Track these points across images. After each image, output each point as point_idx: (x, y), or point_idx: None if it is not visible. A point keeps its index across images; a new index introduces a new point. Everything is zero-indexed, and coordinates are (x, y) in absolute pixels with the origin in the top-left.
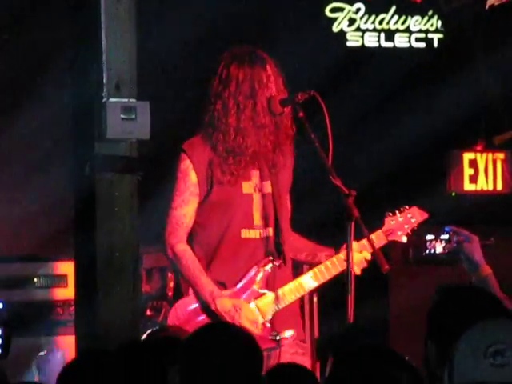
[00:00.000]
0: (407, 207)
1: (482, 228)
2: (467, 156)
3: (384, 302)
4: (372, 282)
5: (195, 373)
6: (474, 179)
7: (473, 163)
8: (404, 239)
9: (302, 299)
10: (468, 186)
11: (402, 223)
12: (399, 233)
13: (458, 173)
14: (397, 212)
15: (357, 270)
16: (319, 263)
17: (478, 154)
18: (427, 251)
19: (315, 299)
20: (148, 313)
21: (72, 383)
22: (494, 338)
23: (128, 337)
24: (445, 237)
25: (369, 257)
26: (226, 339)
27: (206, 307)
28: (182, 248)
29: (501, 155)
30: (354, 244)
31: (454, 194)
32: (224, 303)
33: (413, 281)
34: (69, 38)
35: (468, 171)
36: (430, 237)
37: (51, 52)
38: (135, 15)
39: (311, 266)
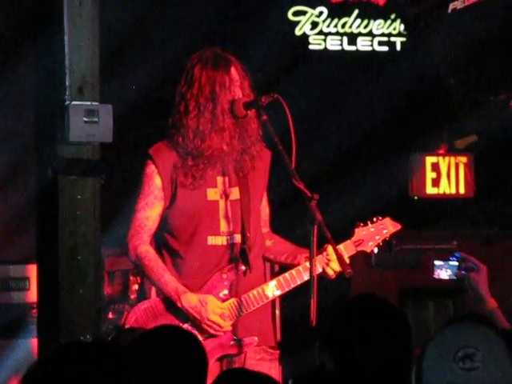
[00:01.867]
0: (380, 218)
1: (445, 232)
2: (430, 159)
3: None
4: (334, 287)
5: (137, 376)
6: (436, 183)
7: (435, 167)
8: (375, 250)
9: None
10: (430, 190)
11: (373, 234)
12: (370, 243)
13: (420, 176)
14: (368, 222)
15: (331, 273)
16: (298, 265)
17: (441, 158)
18: (435, 276)
19: (277, 312)
20: (110, 316)
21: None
22: (463, 341)
23: (90, 339)
24: (454, 263)
25: (337, 268)
26: (168, 341)
27: (168, 312)
28: (145, 249)
29: (463, 159)
30: (320, 257)
31: (416, 197)
32: (189, 299)
33: (374, 284)
34: (31, 41)
35: (430, 175)
36: (438, 262)
37: (13, 54)
38: (98, 18)
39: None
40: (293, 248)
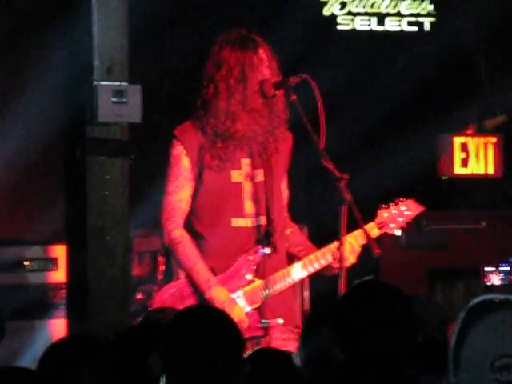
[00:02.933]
0: (402, 199)
1: (474, 212)
2: (458, 140)
3: None
4: (362, 268)
5: (176, 355)
6: (465, 163)
7: (464, 147)
8: (397, 232)
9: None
10: (459, 170)
11: (395, 216)
12: (392, 225)
13: (448, 156)
14: (391, 204)
15: (351, 258)
16: None
17: (469, 138)
18: (485, 282)
19: (306, 293)
20: (139, 296)
21: (53, 365)
22: (502, 349)
23: (118, 319)
24: (505, 268)
25: (358, 247)
26: (207, 321)
27: (195, 294)
28: (180, 234)
29: (492, 139)
30: (346, 236)
31: (444, 177)
32: (220, 293)
33: (403, 265)
34: (59, 22)
35: (459, 155)
36: (489, 268)
37: (42, 35)
38: None
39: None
40: (308, 243)
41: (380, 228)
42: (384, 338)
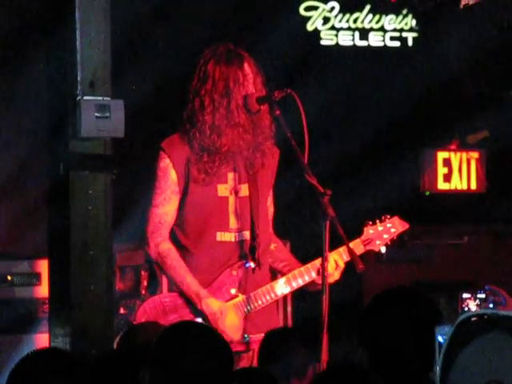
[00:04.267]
0: (388, 216)
1: (456, 227)
2: (441, 155)
3: (359, 303)
4: (346, 282)
5: (166, 371)
6: (447, 178)
7: (447, 162)
8: (382, 249)
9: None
10: (442, 185)
11: (381, 232)
12: (377, 242)
13: (431, 172)
14: (377, 221)
15: (336, 275)
16: None
17: (452, 153)
18: (463, 308)
19: (289, 308)
20: (121, 311)
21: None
22: (492, 374)
23: (101, 334)
24: (481, 296)
25: (342, 264)
26: (195, 337)
27: (178, 308)
28: (167, 247)
29: (475, 154)
30: (331, 253)
31: (427, 193)
32: (211, 304)
33: (386, 280)
34: (43, 36)
35: (442, 170)
36: (466, 295)
37: (25, 49)
38: (110, 13)
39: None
40: (292, 259)
41: (365, 245)
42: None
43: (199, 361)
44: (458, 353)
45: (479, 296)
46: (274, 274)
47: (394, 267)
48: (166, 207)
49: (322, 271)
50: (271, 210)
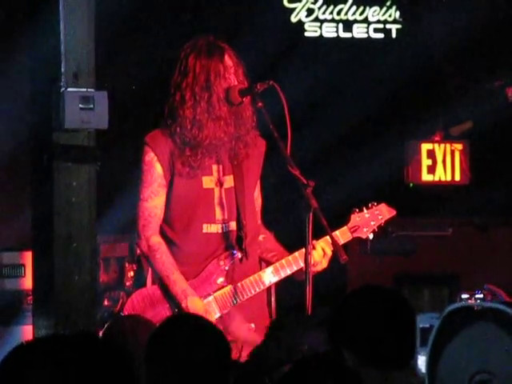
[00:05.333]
0: (375, 203)
1: (440, 219)
2: (425, 146)
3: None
4: (330, 274)
5: (164, 364)
6: (431, 170)
7: (431, 154)
8: (370, 236)
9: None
10: (426, 177)
11: (368, 220)
12: (365, 229)
13: (415, 163)
14: (364, 208)
15: (324, 263)
16: None
17: (436, 145)
18: None
19: (273, 299)
20: (105, 303)
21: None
22: (480, 364)
23: (85, 326)
24: (479, 296)
25: (329, 252)
26: (193, 328)
27: (165, 300)
28: (157, 241)
29: (459, 146)
30: (318, 241)
31: (411, 184)
32: (196, 303)
33: (370, 271)
34: (26, 28)
35: (426, 162)
36: (464, 295)
37: (8, 40)
38: (94, 4)
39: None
40: (281, 249)
41: (353, 232)
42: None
43: (195, 354)
44: (446, 344)
45: (477, 296)
46: (263, 264)
47: (377, 259)
48: (154, 200)
49: (305, 263)
50: (259, 200)
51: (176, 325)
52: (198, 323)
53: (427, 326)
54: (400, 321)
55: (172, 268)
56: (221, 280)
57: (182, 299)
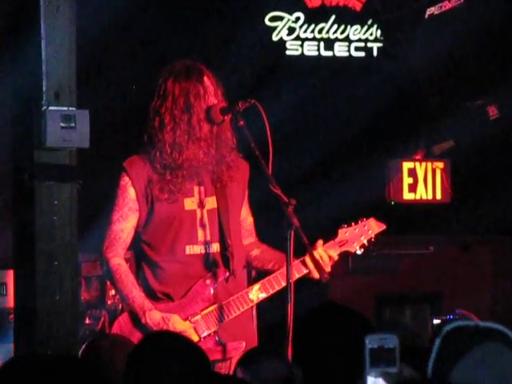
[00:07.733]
0: (364, 218)
1: (422, 237)
2: (406, 165)
3: None
4: (312, 292)
5: (145, 381)
6: (413, 188)
7: (412, 172)
8: (359, 251)
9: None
10: (407, 195)
11: (357, 234)
12: (354, 244)
13: (397, 182)
14: (352, 223)
15: (329, 267)
16: None
17: (417, 163)
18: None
19: (254, 317)
20: (87, 321)
21: None
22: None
23: (67, 345)
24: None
25: (336, 257)
26: (171, 346)
27: (133, 325)
28: (117, 262)
29: (440, 164)
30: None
31: (393, 202)
32: (153, 316)
33: (351, 290)
34: (7, 47)
35: (407, 180)
36: (436, 321)
37: None
38: (75, 24)
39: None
40: (280, 256)
41: (341, 246)
42: (342, 361)
43: (175, 372)
44: (454, 365)
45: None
46: (251, 282)
47: (359, 278)
48: (122, 224)
49: (287, 281)
50: (250, 219)
51: (152, 343)
52: (175, 340)
53: (375, 347)
54: (347, 341)
55: (131, 286)
56: (207, 299)
57: (142, 316)
